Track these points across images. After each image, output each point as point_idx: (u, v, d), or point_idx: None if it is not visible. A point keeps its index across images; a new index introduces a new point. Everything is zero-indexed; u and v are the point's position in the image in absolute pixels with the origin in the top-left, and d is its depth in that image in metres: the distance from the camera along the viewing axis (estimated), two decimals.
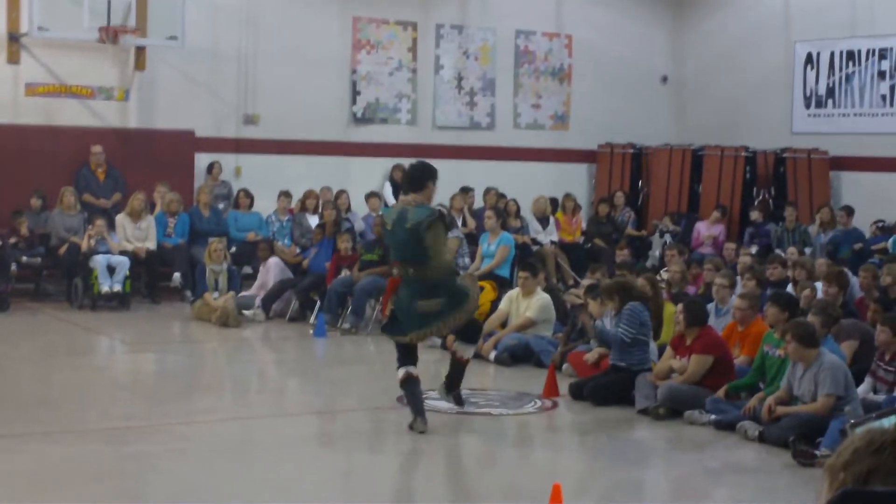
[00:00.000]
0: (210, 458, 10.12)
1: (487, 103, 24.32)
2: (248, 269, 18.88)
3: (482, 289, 15.49)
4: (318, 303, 17.23)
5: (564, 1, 25.03)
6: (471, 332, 11.59)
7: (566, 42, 25.07)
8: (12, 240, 18.45)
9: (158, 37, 20.64)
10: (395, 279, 11.57)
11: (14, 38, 20.02)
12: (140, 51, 21.02)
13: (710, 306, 13.88)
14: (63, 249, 18.75)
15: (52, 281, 19.54)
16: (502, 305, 15.04)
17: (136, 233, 19.08)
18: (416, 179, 11.49)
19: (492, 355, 14.37)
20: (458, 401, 11.87)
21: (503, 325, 14.84)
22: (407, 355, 11.40)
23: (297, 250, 19.28)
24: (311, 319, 17.09)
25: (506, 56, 24.53)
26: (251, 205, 20.54)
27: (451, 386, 11.80)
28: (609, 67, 25.22)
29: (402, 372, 11.32)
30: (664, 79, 26.08)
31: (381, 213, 12.41)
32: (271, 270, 18.22)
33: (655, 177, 24.44)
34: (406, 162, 22.46)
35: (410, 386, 11.29)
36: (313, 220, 19.79)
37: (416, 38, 23.62)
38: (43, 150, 20.35)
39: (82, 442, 10.42)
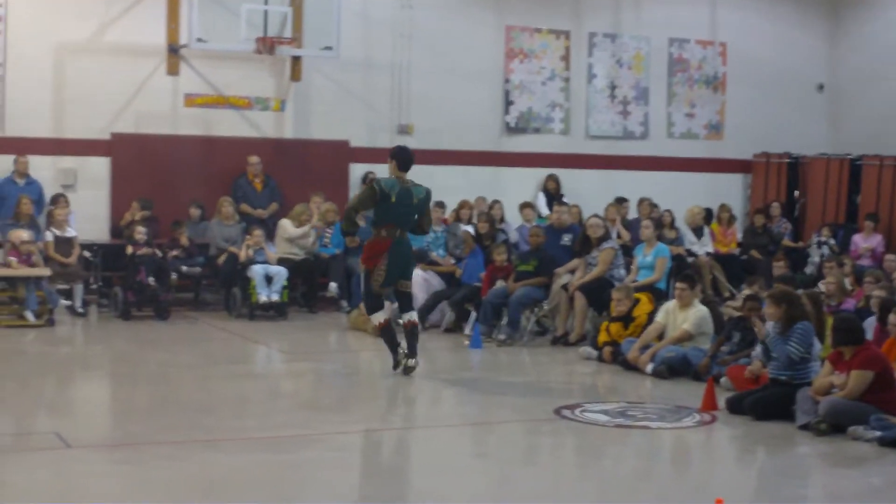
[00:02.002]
0: (366, 467, 10.19)
1: (641, 112, 24.19)
2: None
3: (638, 301, 15.45)
4: (474, 314, 17.24)
5: (718, 8, 24.80)
6: (406, 300, 14.25)
7: (720, 50, 24.84)
8: (173, 251, 18.78)
9: (314, 47, 20.87)
10: (388, 240, 13.87)
11: (173, 49, 20.38)
12: (296, 61, 21.28)
13: (871, 320, 13.66)
14: (221, 259, 19.04)
15: (211, 290, 19.85)
16: (659, 317, 14.90)
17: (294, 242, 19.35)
18: (409, 161, 14.09)
19: (649, 368, 14.26)
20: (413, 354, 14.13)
21: (660, 337, 14.71)
22: (381, 304, 14.41)
23: (452, 261, 19.31)
24: (467, 330, 17.12)
25: (659, 64, 24.38)
26: None
27: (412, 352, 14.07)
28: (764, 75, 24.94)
29: (382, 317, 14.19)
30: (820, 87, 25.71)
31: (378, 180, 14.18)
32: (415, 282, 18.26)
33: (812, 187, 24.08)
34: (560, 172, 22.61)
35: (390, 331, 14.17)
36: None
37: (568, 47, 23.60)
38: (201, 161, 20.72)
39: (242, 450, 10.54)
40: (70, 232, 18.89)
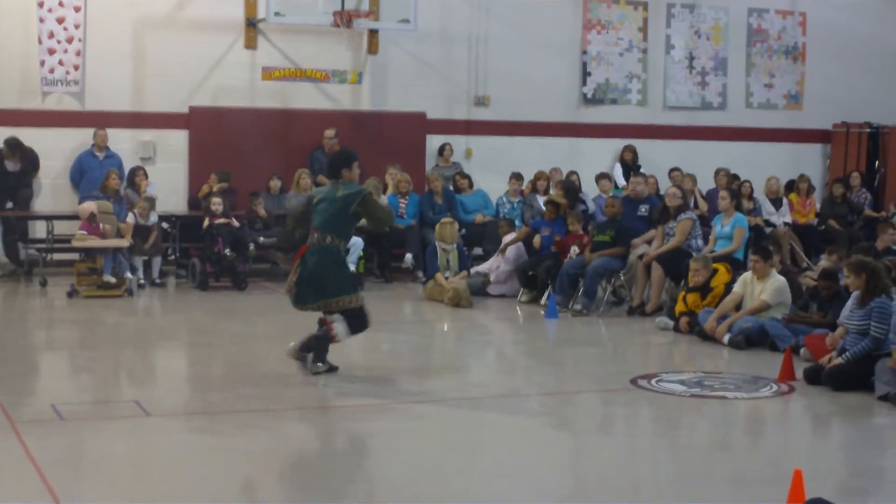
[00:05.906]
0: (442, 437, 10.19)
1: (719, 83, 24.03)
2: (478, 251, 18.93)
3: (715, 271, 15.35)
4: (550, 284, 17.21)
5: None
6: (359, 322, 12.22)
7: (800, 20, 24.59)
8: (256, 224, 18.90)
9: (391, 20, 20.89)
10: (304, 246, 12.20)
11: (251, 23, 20.51)
12: (373, 34, 21.33)
13: None
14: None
15: (288, 261, 19.90)
16: (736, 288, 14.79)
17: None
18: (332, 167, 12.44)
19: (726, 338, 14.17)
20: (302, 359, 12.24)
21: (737, 307, 14.61)
22: None
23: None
24: (543, 301, 17.09)
25: (738, 35, 24.19)
26: (470, 185, 20.73)
27: (306, 349, 12.24)
28: (844, 45, 24.64)
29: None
30: None
31: (311, 193, 13.11)
32: (510, 250, 18.22)
33: (893, 157, 23.77)
34: (637, 143, 22.49)
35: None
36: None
37: (646, 18, 23.47)
38: (278, 134, 20.81)
39: (319, 420, 10.60)
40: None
